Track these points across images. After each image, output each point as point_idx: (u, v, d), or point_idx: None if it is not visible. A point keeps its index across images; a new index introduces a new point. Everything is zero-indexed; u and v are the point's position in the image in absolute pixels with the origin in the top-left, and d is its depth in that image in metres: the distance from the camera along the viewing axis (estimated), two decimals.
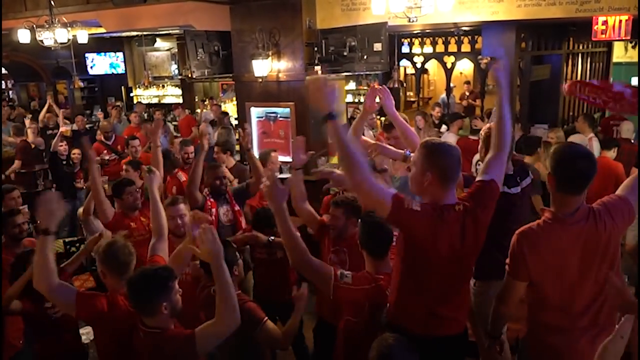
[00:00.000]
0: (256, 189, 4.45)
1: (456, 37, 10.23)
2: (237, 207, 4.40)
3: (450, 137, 6.80)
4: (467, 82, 11.99)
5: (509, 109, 2.51)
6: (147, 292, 2.29)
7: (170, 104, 13.04)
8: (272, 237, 3.74)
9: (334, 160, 7.29)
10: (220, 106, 10.26)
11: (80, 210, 4.74)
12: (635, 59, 11.50)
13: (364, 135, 3.89)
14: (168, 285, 2.31)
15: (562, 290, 2.29)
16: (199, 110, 12.20)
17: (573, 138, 5.70)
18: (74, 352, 3.29)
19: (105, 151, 7.28)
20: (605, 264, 2.27)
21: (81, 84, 12.15)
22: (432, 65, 12.62)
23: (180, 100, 13.17)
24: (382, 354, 2.11)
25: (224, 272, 2.28)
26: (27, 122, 8.92)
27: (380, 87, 3.30)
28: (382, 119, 7.85)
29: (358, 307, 2.51)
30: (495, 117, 2.54)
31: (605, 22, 5.86)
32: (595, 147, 5.71)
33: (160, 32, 11.91)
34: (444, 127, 8.04)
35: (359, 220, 2.72)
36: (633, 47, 11.31)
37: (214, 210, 4.21)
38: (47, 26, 7.33)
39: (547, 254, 2.27)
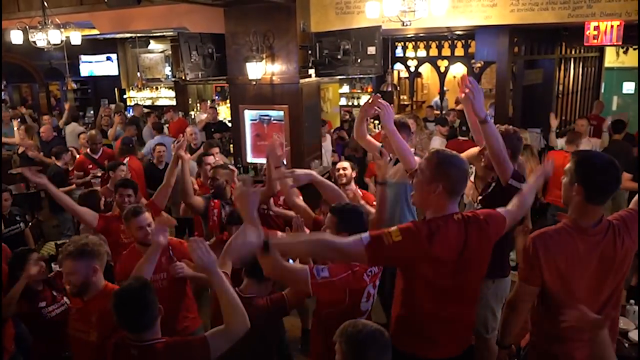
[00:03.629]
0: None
1: (450, 41, 10.27)
2: None
3: (436, 141, 6.90)
4: None
5: (532, 195, 2.65)
6: (150, 305, 2.21)
7: (164, 106, 12.97)
8: None
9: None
10: (215, 109, 10.15)
11: None
12: (627, 64, 11.61)
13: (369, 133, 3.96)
14: (155, 296, 2.25)
15: (569, 300, 2.23)
16: (192, 113, 12.18)
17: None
18: (67, 351, 3.28)
19: (90, 166, 6.43)
20: (616, 279, 2.25)
21: (74, 86, 12.07)
22: (426, 69, 12.65)
23: (174, 103, 13.11)
24: (354, 341, 1.99)
25: (222, 279, 2.24)
26: (15, 123, 8.70)
27: (383, 102, 3.31)
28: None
29: (340, 296, 2.48)
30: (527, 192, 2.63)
31: (597, 28, 5.91)
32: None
33: (154, 34, 11.88)
34: (431, 126, 8.20)
35: (329, 211, 2.69)
36: (624, 52, 11.40)
37: (216, 210, 4.19)
38: (40, 27, 7.31)
39: (561, 261, 2.20)
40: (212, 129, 8.53)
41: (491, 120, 2.83)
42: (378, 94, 3.46)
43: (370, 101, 3.40)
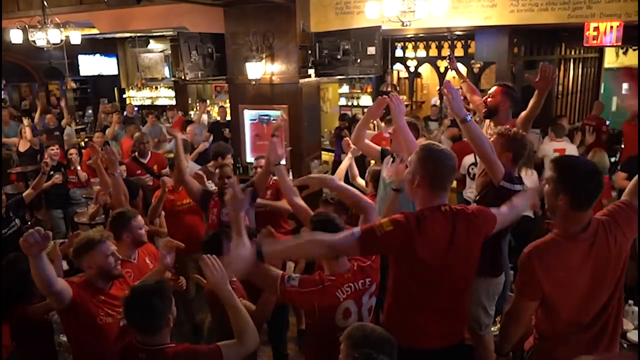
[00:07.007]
0: (262, 185, 4.28)
1: (449, 42, 10.27)
2: None
3: (444, 144, 6.87)
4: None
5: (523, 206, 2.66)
6: (159, 312, 2.15)
7: (164, 106, 12.96)
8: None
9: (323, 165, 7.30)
10: (225, 108, 9.97)
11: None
12: (627, 64, 11.61)
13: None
14: (171, 297, 2.21)
15: (572, 305, 2.23)
16: (192, 112, 12.16)
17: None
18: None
19: (139, 171, 5.65)
20: (615, 276, 2.24)
21: (74, 85, 12.05)
22: (425, 69, 12.63)
23: (174, 102, 13.10)
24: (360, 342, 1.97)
25: (231, 297, 2.22)
26: (25, 121, 8.63)
27: (395, 96, 3.29)
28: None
29: (309, 309, 2.47)
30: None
31: (596, 28, 5.91)
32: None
33: (154, 34, 11.88)
34: (434, 125, 8.18)
35: (310, 221, 2.71)
36: (624, 53, 11.41)
37: (215, 210, 4.21)
38: (39, 26, 7.31)
39: (559, 271, 2.18)
40: (222, 129, 8.30)
41: (472, 120, 2.71)
42: (385, 96, 3.45)
43: (378, 102, 3.43)
